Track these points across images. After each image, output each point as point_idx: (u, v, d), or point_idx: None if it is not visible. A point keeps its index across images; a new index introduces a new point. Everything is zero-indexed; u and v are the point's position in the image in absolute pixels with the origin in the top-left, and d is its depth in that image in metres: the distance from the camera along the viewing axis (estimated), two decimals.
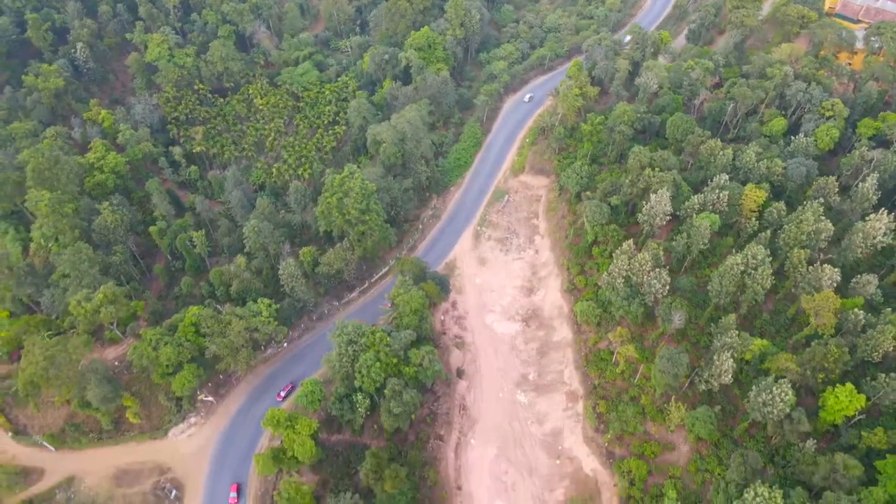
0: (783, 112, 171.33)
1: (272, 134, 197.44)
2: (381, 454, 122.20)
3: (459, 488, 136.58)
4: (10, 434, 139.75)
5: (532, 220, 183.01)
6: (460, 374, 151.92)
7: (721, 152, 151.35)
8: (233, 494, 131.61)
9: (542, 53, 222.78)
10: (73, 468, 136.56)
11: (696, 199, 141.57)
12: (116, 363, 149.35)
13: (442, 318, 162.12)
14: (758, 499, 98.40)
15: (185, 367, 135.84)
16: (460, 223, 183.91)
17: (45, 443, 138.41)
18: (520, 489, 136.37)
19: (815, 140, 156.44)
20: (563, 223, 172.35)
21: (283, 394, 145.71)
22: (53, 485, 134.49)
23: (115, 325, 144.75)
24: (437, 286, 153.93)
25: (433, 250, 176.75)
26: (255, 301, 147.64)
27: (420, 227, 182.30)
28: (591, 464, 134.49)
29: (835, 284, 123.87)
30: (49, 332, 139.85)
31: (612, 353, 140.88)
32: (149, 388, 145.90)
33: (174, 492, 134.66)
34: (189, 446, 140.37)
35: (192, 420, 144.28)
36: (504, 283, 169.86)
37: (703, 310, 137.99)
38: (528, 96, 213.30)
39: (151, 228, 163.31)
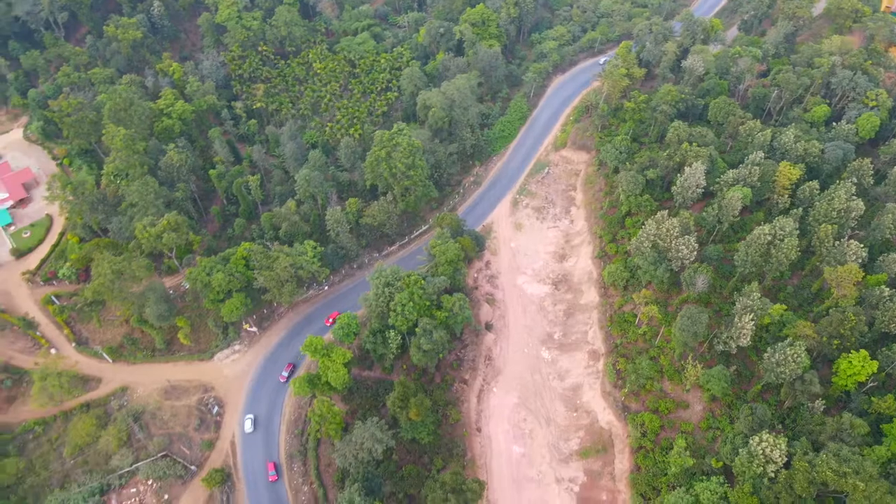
0: (827, 101, 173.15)
1: (328, 96, 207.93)
2: (409, 384, 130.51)
3: (479, 430, 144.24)
4: (73, 344, 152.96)
5: (570, 193, 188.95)
6: (489, 327, 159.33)
7: (760, 133, 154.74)
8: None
9: (593, 37, 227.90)
10: (128, 379, 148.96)
11: (730, 174, 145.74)
12: (171, 292, 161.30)
13: (475, 275, 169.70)
14: (763, 444, 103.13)
15: (234, 296, 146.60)
16: (500, 190, 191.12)
17: (104, 354, 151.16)
18: (537, 436, 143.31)
19: (857, 128, 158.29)
20: (600, 195, 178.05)
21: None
22: (109, 392, 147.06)
23: (173, 253, 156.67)
24: (472, 241, 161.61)
25: (472, 214, 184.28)
26: (301, 243, 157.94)
27: (461, 191, 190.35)
28: (606, 417, 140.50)
29: (860, 260, 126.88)
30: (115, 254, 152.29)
31: (636, 315, 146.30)
32: (199, 315, 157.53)
33: (216, 408, 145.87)
34: (232, 370, 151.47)
35: (237, 347, 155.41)
36: (538, 249, 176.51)
37: (728, 280, 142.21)
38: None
39: (211, 172, 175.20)
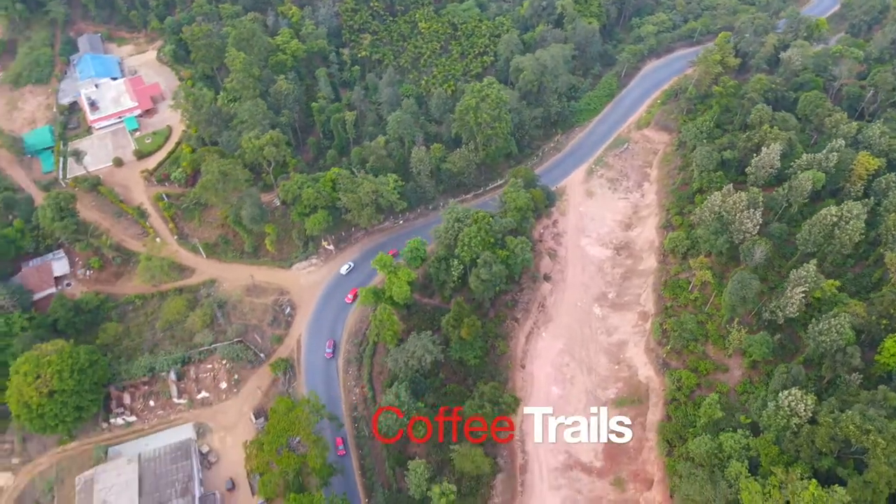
0: None
1: (428, 53, 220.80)
2: (464, 306, 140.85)
3: (523, 367, 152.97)
4: (175, 237, 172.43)
5: (645, 169, 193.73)
6: (547, 278, 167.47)
7: (844, 124, 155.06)
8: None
9: (694, 26, 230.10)
10: (217, 274, 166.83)
11: (805, 158, 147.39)
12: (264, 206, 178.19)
13: (542, 231, 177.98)
14: (790, 397, 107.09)
15: (318, 212, 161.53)
16: (577, 159, 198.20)
17: (200, 249, 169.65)
18: (577, 382, 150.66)
19: None
20: (674, 172, 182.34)
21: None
22: (200, 281, 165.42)
23: (271, 168, 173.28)
24: (543, 195, 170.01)
25: (547, 176, 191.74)
26: (385, 176, 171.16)
27: (540, 154, 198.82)
28: (646, 372, 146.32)
29: None
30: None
31: (690, 282, 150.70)
32: (284, 229, 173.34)
33: (289, 309, 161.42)
34: (307, 279, 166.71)
35: (314, 261, 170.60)
36: (605, 216, 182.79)
37: (788, 260, 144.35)
38: None
39: (313, 105, 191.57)
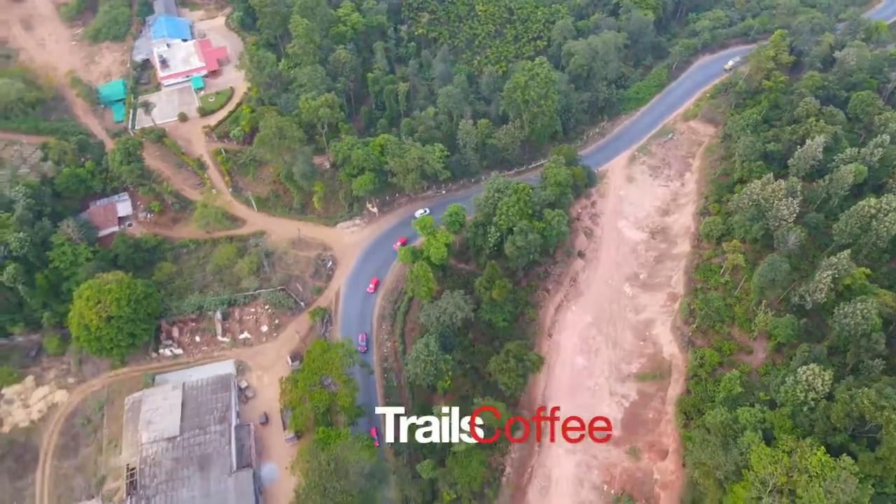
0: None
1: (483, 34, 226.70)
2: (497, 269, 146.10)
3: (550, 336, 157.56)
4: (230, 190, 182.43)
5: (688, 159, 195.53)
6: (581, 255, 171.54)
7: (894, 123, 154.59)
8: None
9: (751, 24, 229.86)
10: (266, 226, 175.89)
11: (848, 151, 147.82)
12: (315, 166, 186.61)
13: (580, 210, 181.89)
14: (808, 372, 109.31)
15: (365, 173, 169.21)
16: (621, 145, 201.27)
17: (252, 202, 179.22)
18: (601, 355, 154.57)
19: None
20: (716, 163, 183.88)
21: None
22: (249, 232, 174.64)
23: (324, 130, 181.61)
24: (584, 173, 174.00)
25: (590, 159, 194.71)
26: (432, 146, 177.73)
27: (584, 138, 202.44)
28: (671, 349, 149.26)
29: None
30: None
31: (722, 266, 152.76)
32: (332, 190, 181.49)
33: (330, 263, 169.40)
34: (350, 238, 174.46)
35: (357, 222, 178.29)
36: (644, 201, 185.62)
37: (823, 251, 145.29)
38: (730, 62, 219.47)
39: (368, 75, 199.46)
